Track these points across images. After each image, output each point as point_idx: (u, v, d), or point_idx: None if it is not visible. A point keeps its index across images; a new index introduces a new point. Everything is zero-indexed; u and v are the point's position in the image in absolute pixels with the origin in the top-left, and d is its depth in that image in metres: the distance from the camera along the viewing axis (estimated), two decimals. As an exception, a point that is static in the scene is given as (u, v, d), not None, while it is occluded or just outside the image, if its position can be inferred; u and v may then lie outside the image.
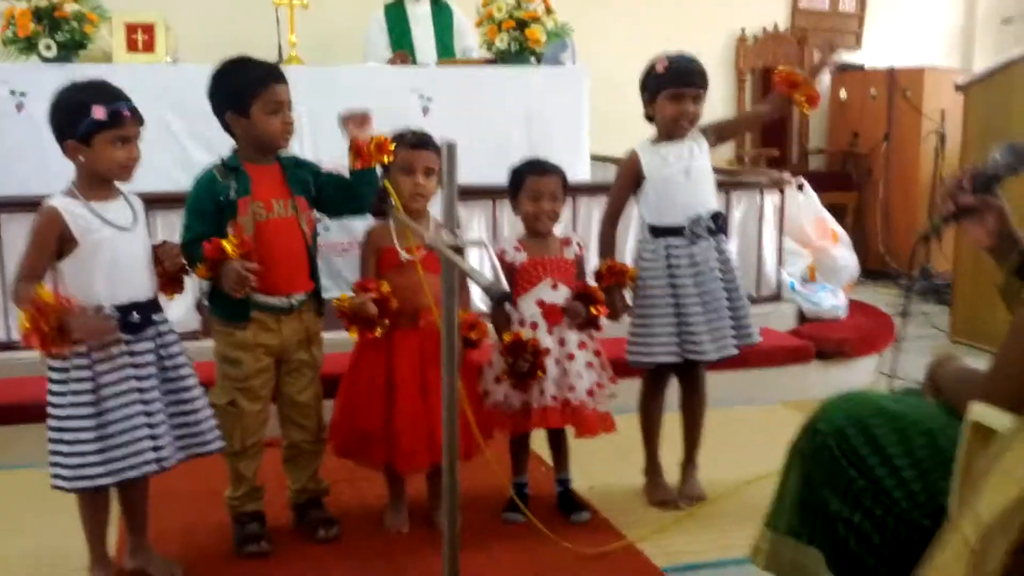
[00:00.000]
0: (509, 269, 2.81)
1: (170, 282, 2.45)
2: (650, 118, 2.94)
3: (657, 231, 2.90)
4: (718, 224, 2.92)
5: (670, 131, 2.89)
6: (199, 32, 5.10)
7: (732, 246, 3.01)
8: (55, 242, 2.25)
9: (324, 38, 5.31)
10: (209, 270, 2.43)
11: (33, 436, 2.67)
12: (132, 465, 2.28)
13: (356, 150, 2.56)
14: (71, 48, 4.09)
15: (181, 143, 4.15)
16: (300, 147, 3.97)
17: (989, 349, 4.79)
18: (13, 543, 2.75)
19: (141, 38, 4.11)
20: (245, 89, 2.52)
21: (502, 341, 2.72)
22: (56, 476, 2.28)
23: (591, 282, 2.88)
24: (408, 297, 2.63)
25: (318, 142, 4.17)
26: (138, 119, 2.29)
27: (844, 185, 7.04)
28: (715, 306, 2.88)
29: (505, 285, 1.40)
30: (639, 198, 2.95)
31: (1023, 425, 1.36)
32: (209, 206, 2.53)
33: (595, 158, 5.07)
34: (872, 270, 6.73)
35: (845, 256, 5.74)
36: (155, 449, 2.31)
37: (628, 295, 2.94)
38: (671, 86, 2.82)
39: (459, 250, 1.61)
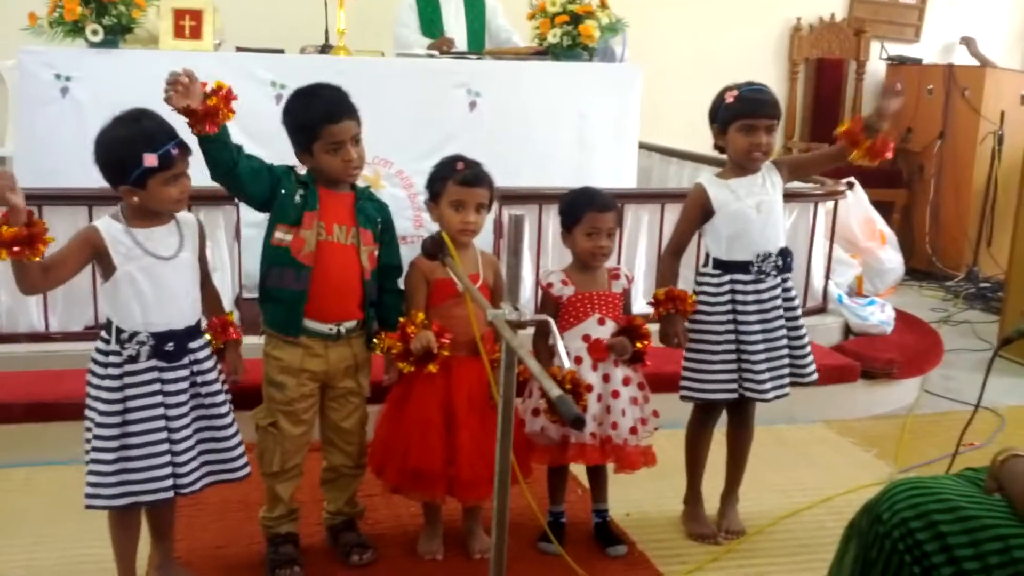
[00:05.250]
0: (555, 303, 2.74)
1: (204, 117, 2.28)
2: (720, 149, 2.83)
3: (723, 265, 2.81)
4: (786, 262, 2.85)
5: (743, 163, 2.78)
6: (247, 14, 5.04)
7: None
8: (87, 255, 2.25)
9: (374, 23, 5.19)
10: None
11: (70, 432, 2.69)
12: (148, 490, 2.29)
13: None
14: (118, 32, 4.03)
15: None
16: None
17: (1039, 369, 4.67)
18: (43, 549, 2.75)
19: (188, 24, 4.05)
20: (305, 128, 2.49)
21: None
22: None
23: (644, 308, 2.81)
24: (466, 327, 2.54)
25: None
26: (186, 152, 2.27)
27: (894, 182, 6.86)
28: (776, 346, 2.81)
29: (577, 409, 1.32)
30: (706, 231, 2.85)
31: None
32: (274, 174, 2.50)
33: (641, 146, 4.97)
34: (917, 269, 6.60)
35: (892, 258, 5.63)
36: (175, 476, 2.32)
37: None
38: (743, 117, 2.71)
39: (521, 326, 1.55)
